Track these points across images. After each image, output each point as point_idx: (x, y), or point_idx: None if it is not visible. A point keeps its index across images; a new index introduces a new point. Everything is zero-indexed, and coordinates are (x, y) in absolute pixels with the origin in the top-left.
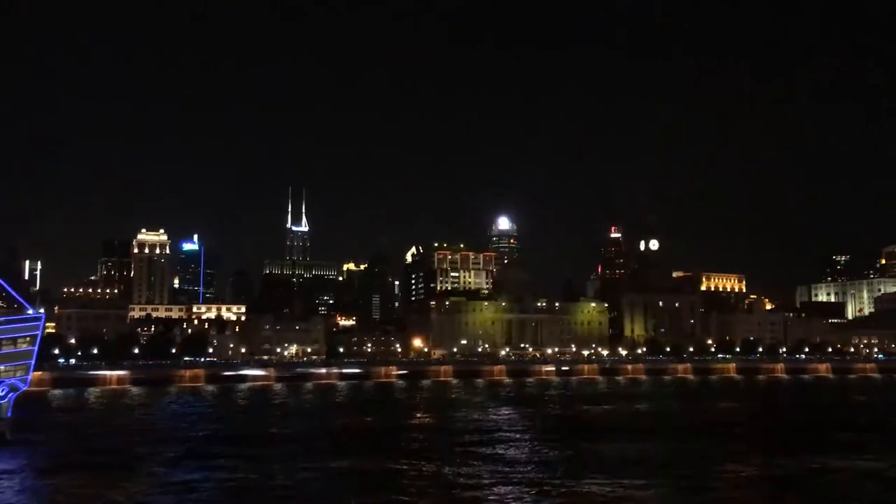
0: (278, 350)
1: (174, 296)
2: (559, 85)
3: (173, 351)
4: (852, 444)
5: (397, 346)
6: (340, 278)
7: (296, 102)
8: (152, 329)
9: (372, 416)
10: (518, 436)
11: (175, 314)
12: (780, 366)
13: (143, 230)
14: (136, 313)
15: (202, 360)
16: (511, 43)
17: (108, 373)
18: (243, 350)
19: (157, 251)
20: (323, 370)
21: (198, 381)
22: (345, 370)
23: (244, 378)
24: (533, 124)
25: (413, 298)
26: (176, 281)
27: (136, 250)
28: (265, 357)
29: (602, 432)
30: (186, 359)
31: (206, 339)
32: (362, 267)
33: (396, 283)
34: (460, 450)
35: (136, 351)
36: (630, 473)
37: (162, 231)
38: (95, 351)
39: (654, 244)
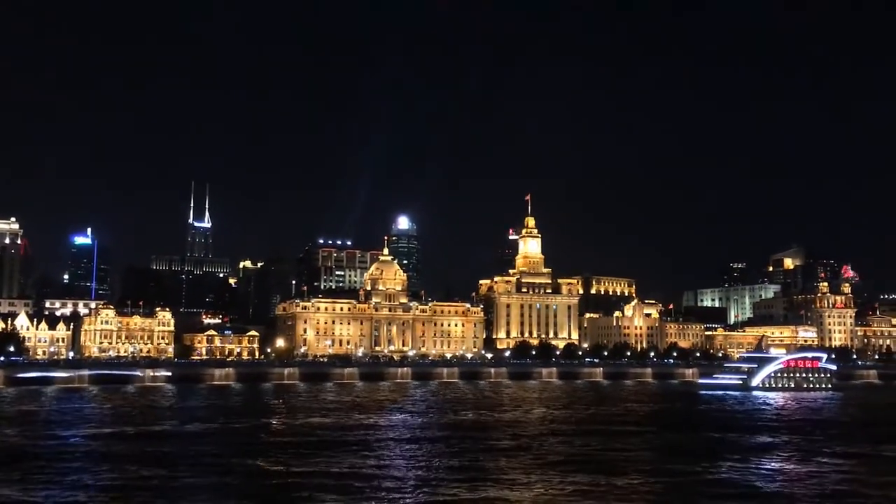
0: (119, 349)
1: (65, 291)
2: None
3: None
4: None
5: (254, 346)
6: (224, 277)
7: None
8: None
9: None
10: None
11: (20, 309)
12: (649, 370)
13: None
14: None
15: (1, 359)
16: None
17: None
18: (78, 350)
19: (7, 241)
20: (149, 372)
21: None
22: (167, 372)
23: (50, 380)
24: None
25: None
26: (66, 275)
27: None
28: (100, 355)
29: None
30: None
31: (16, 336)
32: (259, 265)
33: (294, 282)
34: None
35: None
36: None
37: (13, 219)
38: None
39: (533, 245)
